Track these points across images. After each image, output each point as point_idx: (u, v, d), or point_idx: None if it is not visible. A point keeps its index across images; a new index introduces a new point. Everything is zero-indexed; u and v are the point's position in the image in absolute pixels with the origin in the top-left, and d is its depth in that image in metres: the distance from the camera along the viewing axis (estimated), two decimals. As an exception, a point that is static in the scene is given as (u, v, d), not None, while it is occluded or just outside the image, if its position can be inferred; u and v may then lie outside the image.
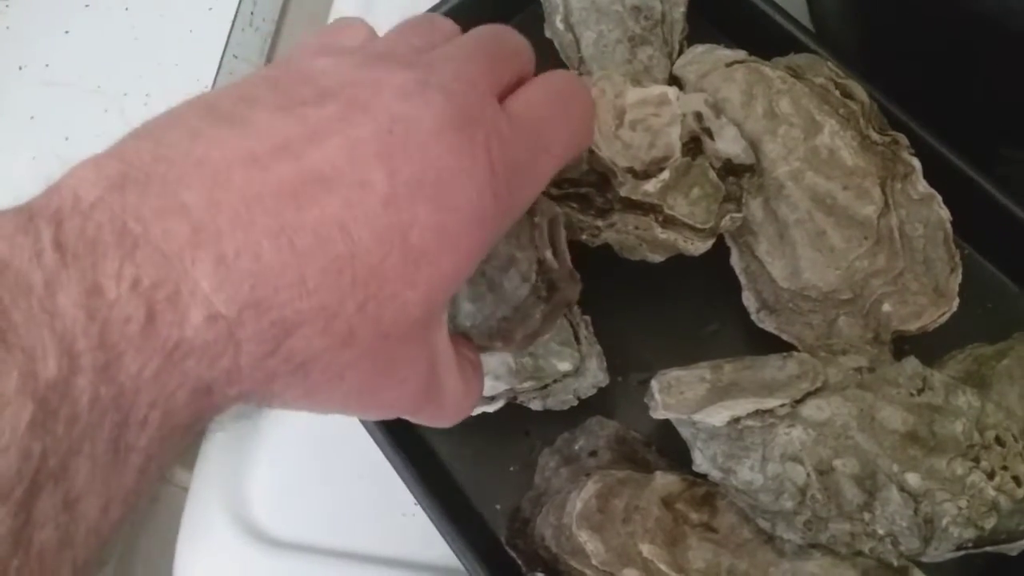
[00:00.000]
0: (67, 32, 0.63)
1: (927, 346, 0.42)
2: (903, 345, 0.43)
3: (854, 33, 0.53)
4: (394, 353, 0.25)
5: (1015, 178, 0.44)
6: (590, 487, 0.40)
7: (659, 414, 0.39)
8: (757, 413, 0.37)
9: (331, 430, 0.49)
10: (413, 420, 0.30)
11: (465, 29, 0.54)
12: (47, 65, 0.62)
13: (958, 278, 0.42)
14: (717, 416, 0.37)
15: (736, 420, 0.37)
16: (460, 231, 0.25)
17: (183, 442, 0.22)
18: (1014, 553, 0.37)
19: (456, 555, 0.41)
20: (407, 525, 0.47)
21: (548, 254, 0.34)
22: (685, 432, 0.40)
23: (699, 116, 0.44)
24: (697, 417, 0.38)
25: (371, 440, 0.44)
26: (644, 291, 0.48)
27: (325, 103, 0.24)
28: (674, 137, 0.43)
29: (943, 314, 0.41)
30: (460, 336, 0.34)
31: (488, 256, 0.31)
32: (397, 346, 0.25)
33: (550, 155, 0.28)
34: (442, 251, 0.24)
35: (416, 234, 0.24)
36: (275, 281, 0.21)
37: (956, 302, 0.41)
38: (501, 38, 0.30)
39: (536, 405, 0.45)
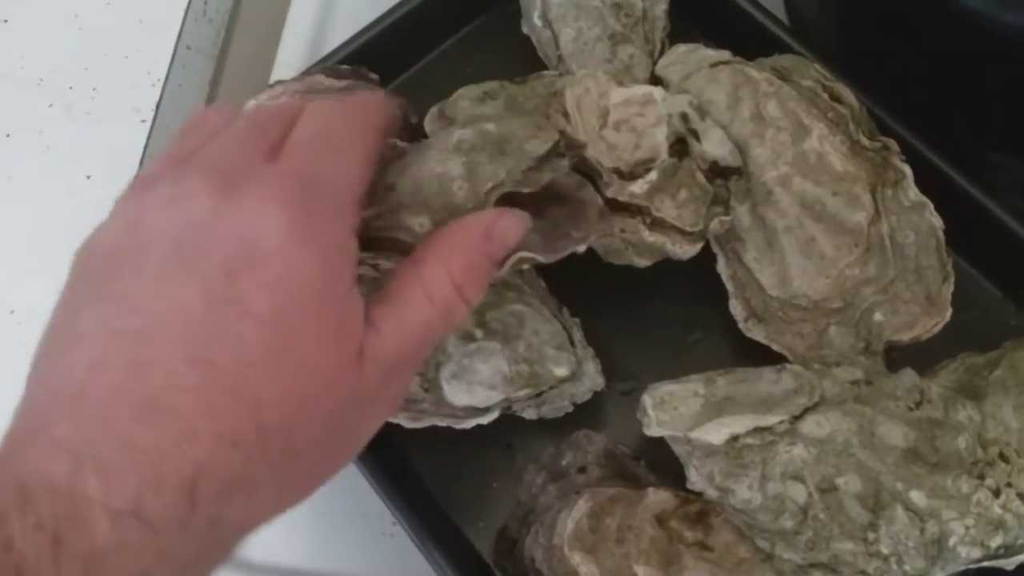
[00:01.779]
0: (6, 21, 0.59)
1: (915, 355, 0.42)
2: (891, 354, 0.43)
3: (833, 33, 0.52)
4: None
5: (1002, 184, 0.44)
6: (581, 506, 0.39)
7: (653, 431, 0.38)
8: (756, 431, 0.36)
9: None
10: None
11: (439, 28, 0.53)
12: (-16, 56, 0.59)
13: (951, 287, 0.41)
14: (715, 434, 0.36)
15: (735, 438, 0.36)
16: (280, 258, 0.26)
17: None
18: (1011, 567, 0.36)
19: (440, 577, 0.40)
20: (387, 544, 0.45)
21: (568, 129, 0.36)
22: (679, 449, 0.38)
23: (685, 117, 0.43)
24: (694, 435, 0.37)
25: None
26: (627, 298, 0.46)
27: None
28: (660, 138, 0.41)
29: (936, 324, 0.41)
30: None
31: (505, 138, 0.32)
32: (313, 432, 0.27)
33: (349, 144, 0.30)
34: (295, 292, 0.26)
35: (261, 301, 0.26)
36: (156, 458, 0.24)
37: (949, 311, 0.41)
38: (258, 115, 0.32)
39: (530, 414, 0.43)
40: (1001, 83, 0.43)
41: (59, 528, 0.23)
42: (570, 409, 0.43)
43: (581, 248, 0.36)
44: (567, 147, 0.33)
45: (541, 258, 0.34)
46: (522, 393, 0.42)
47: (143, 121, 0.56)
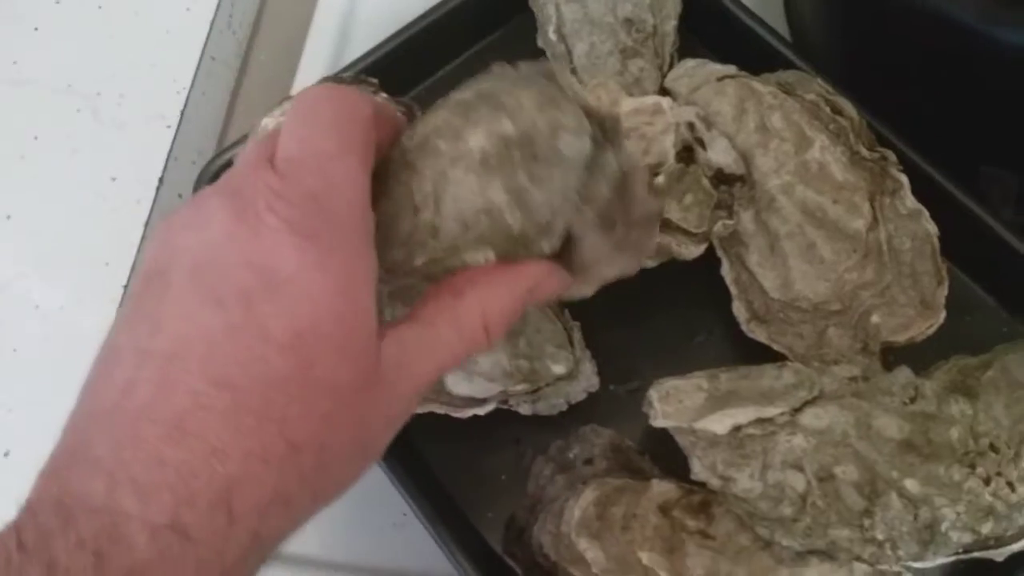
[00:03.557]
0: (36, 28, 0.61)
1: (910, 357, 0.43)
2: (888, 356, 0.44)
3: (832, 48, 0.54)
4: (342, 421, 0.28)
5: (995, 195, 0.46)
6: (588, 495, 0.40)
7: (659, 423, 0.39)
8: (758, 421, 0.38)
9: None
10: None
11: (457, 41, 0.55)
12: (15, 63, 0.60)
13: (944, 291, 0.43)
14: (719, 424, 0.38)
15: (738, 428, 0.38)
16: (297, 284, 0.27)
17: None
18: (1001, 559, 0.38)
19: (453, 564, 0.41)
20: (396, 535, 0.47)
21: (589, 100, 0.31)
22: (683, 441, 0.40)
23: (692, 126, 0.45)
24: (699, 425, 0.38)
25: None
26: (633, 300, 0.47)
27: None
28: (668, 145, 0.43)
29: (931, 326, 0.42)
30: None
31: (530, 137, 0.29)
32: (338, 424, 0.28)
33: (339, 151, 0.29)
34: (294, 302, 0.27)
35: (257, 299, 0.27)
36: (188, 476, 0.25)
37: (943, 314, 0.42)
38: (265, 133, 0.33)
39: (525, 409, 0.45)
40: (994, 97, 0.45)
41: (100, 544, 0.24)
42: (564, 407, 0.45)
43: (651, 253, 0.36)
44: (601, 129, 0.31)
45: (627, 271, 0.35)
46: (519, 387, 0.43)
47: (168, 127, 0.58)
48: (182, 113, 0.58)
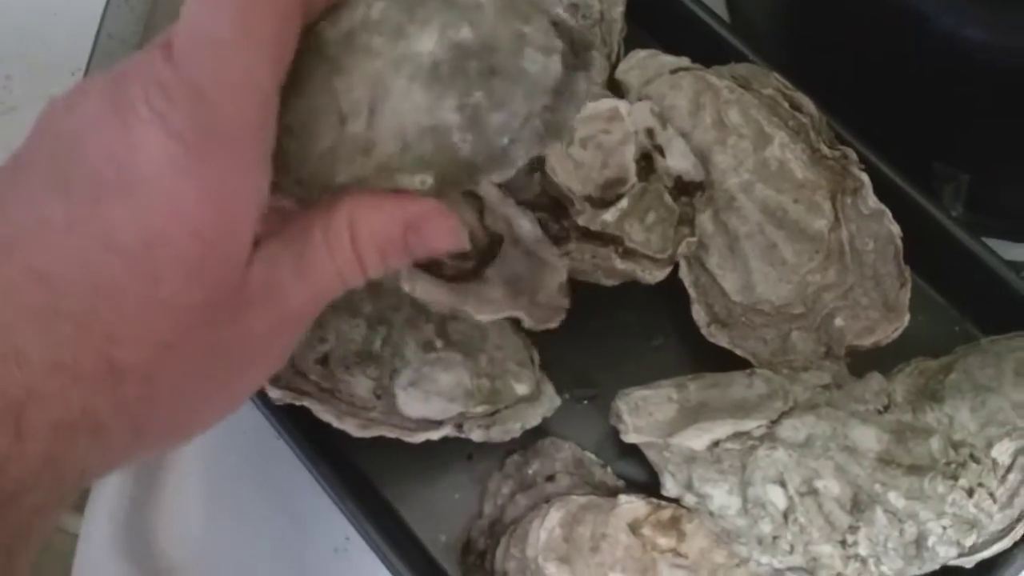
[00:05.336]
0: (-97, 1, 0.55)
1: (867, 359, 0.43)
2: (846, 359, 0.43)
3: (774, 36, 0.53)
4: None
5: (947, 193, 0.45)
6: (553, 515, 0.38)
7: (630, 438, 0.37)
8: (736, 435, 0.36)
9: (246, 460, 0.45)
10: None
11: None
12: None
13: (907, 293, 0.42)
14: (697, 440, 0.36)
15: (715, 443, 0.36)
16: (156, 188, 0.24)
17: None
18: (970, 566, 0.38)
19: (406, 594, 0.38)
20: (337, 561, 0.43)
21: (559, 12, 0.28)
22: (653, 455, 0.38)
23: (650, 132, 0.43)
24: (675, 441, 0.36)
25: (291, 471, 0.40)
26: (586, 302, 0.46)
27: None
28: (628, 157, 0.42)
29: (896, 329, 0.42)
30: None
31: (490, 48, 0.25)
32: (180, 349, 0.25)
33: (240, 40, 0.24)
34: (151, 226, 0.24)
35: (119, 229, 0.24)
36: None
37: (907, 317, 0.42)
38: None
39: (478, 435, 0.40)
40: (949, 94, 0.44)
41: None
42: (517, 434, 0.41)
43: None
44: (572, 51, 0.27)
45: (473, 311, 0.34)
46: (479, 409, 0.40)
47: (62, 112, 0.52)
48: (78, 97, 0.53)
